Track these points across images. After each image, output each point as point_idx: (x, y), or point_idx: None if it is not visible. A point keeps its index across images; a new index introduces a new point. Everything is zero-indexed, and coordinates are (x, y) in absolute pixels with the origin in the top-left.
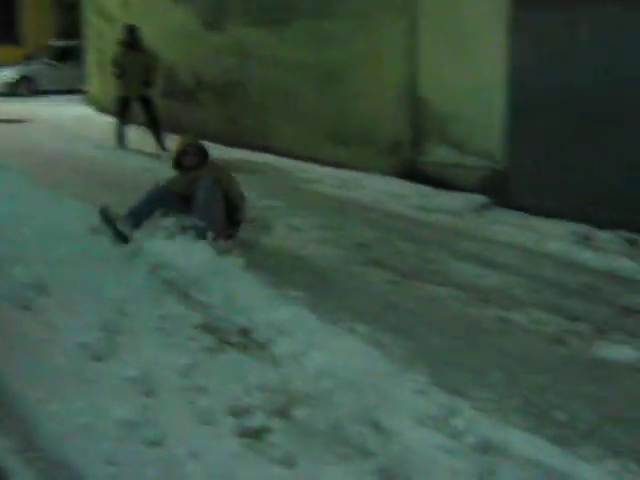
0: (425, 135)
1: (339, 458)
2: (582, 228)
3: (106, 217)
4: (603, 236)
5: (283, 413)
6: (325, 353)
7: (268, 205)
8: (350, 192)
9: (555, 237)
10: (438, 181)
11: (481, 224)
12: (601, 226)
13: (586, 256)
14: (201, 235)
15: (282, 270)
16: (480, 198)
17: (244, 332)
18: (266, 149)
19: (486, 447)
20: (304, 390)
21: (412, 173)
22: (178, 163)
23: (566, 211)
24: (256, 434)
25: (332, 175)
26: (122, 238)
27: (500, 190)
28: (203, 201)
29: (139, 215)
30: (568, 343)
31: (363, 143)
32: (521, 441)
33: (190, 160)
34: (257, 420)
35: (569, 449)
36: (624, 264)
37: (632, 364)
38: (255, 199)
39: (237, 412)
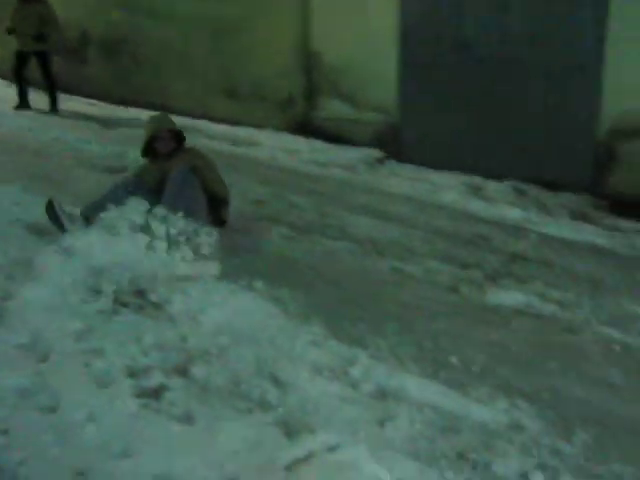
0: (319, 90)
1: (239, 412)
2: (474, 179)
3: (52, 213)
4: (493, 187)
5: (181, 371)
6: (221, 310)
7: None
8: (245, 149)
9: (448, 189)
10: (333, 136)
11: (375, 177)
12: (492, 177)
13: (477, 206)
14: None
15: None
16: (374, 152)
17: (139, 293)
18: (159, 107)
19: (384, 394)
20: (201, 347)
21: (306, 128)
22: (148, 150)
23: (458, 163)
24: (154, 393)
25: (227, 132)
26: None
27: (394, 144)
28: (174, 190)
29: (96, 212)
30: (461, 291)
31: (257, 99)
32: (417, 386)
33: (165, 146)
34: (155, 380)
35: (462, 391)
36: (513, 213)
37: (521, 308)
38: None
39: (134, 373)
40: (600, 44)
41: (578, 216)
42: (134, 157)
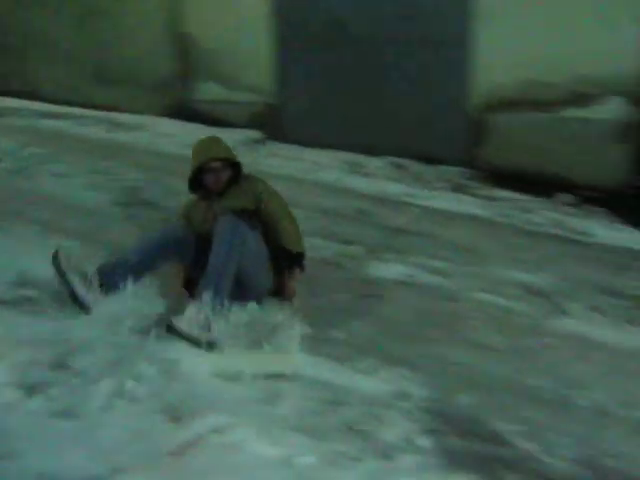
0: (194, 73)
1: (124, 402)
2: (354, 157)
3: (58, 267)
4: (374, 163)
5: (62, 365)
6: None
7: (32, 153)
8: (121, 135)
9: (329, 167)
10: (211, 119)
11: (255, 159)
12: (372, 154)
13: (359, 183)
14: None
15: (51, 219)
16: (253, 133)
17: (15, 288)
18: (29, 95)
19: (272, 373)
20: (81, 338)
21: (184, 112)
22: (196, 183)
23: (338, 141)
24: (35, 390)
25: (103, 118)
26: (79, 305)
27: (273, 124)
28: (215, 260)
29: (124, 270)
30: (344, 266)
31: (133, 84)
32: (303, 362)
33: (215, 181)
34: (35, 375)
35: (350, 365)
36: (394, 188)
37: (402, 280)
38: (17, 149)
39: (13, 370)
40: (470, 19)
41: (457, 188)
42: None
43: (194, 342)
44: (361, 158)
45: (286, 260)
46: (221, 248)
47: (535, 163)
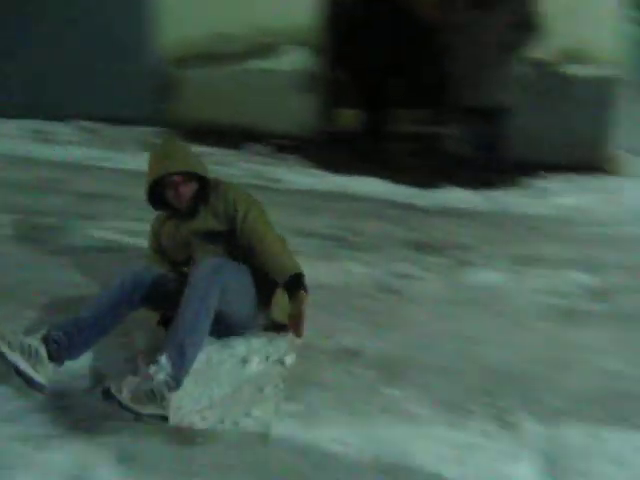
0: None
1: None
2: (40, 124)
3: None
4: (62, 129)
5: None
6: None
7: None
8: None
9: (11, 137)
10: None
11: None
12: (59, 119)
13: (46, 151)
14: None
15: None
16: None
17: None
18: None
19: None
20: None
21: None
22: (157, 199)
23: (20, 109)
24: None
25: None
26: (30, 386)
27: None
28: (183, 316)
29: (78, 334)
30: (38, 238)
31: None
32: None
33: (177, 197)
34: None
35: None
36: (82, 153)
37: (105, 246)
38: None
39: None
40: None
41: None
42: None
43: (134, 415)
44: (48, 125)
45: (286, 287)
46: (191, 304)
47: (227, 116)
